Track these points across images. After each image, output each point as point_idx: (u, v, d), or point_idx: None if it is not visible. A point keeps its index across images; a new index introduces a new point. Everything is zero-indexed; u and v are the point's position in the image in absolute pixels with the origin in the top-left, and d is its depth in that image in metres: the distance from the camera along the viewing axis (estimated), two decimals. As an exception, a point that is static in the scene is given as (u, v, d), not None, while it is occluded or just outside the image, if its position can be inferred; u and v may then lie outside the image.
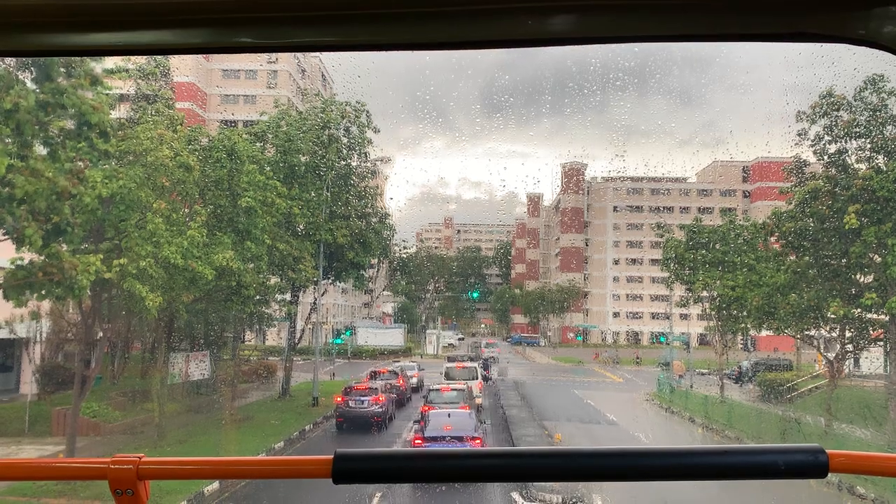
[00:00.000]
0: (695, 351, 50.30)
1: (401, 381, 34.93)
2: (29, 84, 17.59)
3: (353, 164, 36.50)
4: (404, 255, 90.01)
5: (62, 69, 17.86)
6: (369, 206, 37.57)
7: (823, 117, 25.99)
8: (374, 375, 34.46)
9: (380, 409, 27.39)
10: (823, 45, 1.51)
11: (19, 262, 18.14)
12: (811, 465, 1.44)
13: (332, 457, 1.44)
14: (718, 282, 33.99)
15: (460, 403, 25.58)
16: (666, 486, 13.89)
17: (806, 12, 1.37)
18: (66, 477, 1.59)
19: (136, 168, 20.53)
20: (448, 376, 34.20)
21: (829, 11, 1.37)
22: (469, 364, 38.15)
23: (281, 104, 37.87)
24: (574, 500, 16.86)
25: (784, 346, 49.56)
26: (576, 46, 1.44)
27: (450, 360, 44.66)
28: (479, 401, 31.31)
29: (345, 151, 35.80)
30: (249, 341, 51.98)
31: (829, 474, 1.47)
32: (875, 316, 26.36)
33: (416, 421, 24.25)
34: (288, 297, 35.62)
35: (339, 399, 27.95)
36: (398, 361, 48.14)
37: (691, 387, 40.79)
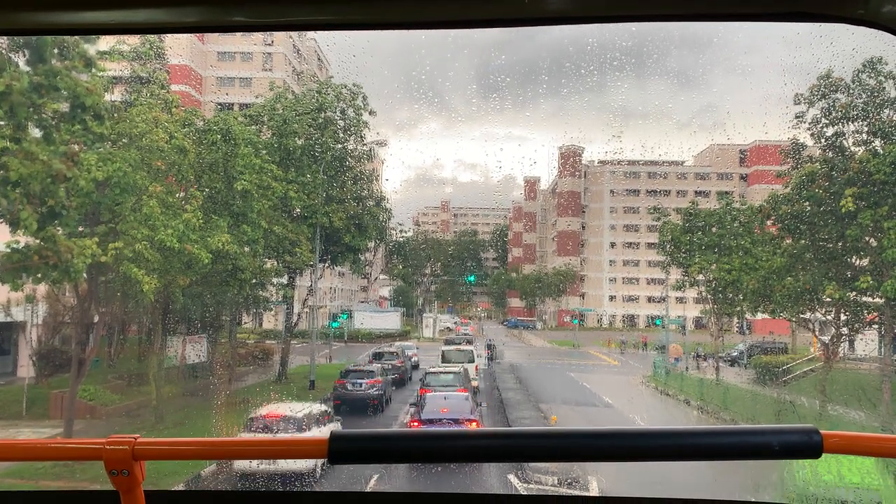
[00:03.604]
0: (691, 334, 50.47)
1: (401, 362, 35.79)
2: (22, 66, 17.44)
3: (349, 146, 36.36)
4: (401, 239, 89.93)
5: (56, 51, 17.70)
6: (365, 189, 37.45)
7: (821, 100, 25.91)
8: (377, 356, 35.12)
9: (377, 392, 27.52)
10: (822, 24, 1.49)
11: (15, 246, 18.10)
12: (805, 446, 1.44)
13: (328, 437, 1.45)
14: (714, 265, 34.05)
15: (457, 386, 25.66)
16: (660, 466, 13.99)
17: None
18: (62, 457, 1.58)
19: (131, 151, 20.46)
20: (445, 359, 34.32)
21: None
22: (466, 347, 38.26)
23: (276, 86, 37.63)
24: (569, 480, 16.99)
25: (779, 329, 49.70)
26: (573, 26, 1.43)
27: (447, 343, 44.82)
28: (475, 383, 31.45)
29: (341, 134, 35.65)
30: (246, 324, 51.99)
31: (823, 455, 1.46)
32: (870, 299, 26.44)
33: (413, 404, 24.35)
34: (284, 280, 35.59)
35: (337, 382, 28.23)
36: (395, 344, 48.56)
37: (686, 369, 40.97)
